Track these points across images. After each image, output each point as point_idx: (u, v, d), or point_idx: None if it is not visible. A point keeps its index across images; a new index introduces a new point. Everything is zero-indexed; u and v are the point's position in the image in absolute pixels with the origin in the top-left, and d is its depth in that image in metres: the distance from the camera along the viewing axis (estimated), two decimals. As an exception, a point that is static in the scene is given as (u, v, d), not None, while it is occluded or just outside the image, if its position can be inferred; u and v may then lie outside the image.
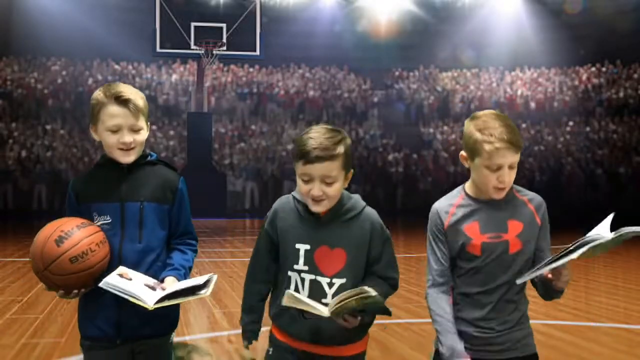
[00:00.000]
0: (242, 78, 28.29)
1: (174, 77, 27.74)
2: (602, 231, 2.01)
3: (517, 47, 28.73)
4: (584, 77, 28.32)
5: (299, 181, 2.17)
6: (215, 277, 2.30)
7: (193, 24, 21.02)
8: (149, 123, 2.40)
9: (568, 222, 19.02)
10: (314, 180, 2.12)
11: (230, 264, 10.00)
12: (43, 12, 26.23)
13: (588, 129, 26.09)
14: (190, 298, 2.21)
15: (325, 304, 2.11)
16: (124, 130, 2.30)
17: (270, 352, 2.29)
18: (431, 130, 27.16)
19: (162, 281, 2.32)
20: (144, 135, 2.35)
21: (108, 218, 2.32)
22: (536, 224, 2.26)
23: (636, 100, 26.28)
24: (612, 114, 26.42)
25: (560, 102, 27.74)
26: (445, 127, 27.04)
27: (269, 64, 28.33)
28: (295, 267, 2.20)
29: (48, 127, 24.30)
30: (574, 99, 27.63)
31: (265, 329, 2.35)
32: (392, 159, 25.05)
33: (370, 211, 2.26)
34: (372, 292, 1.97)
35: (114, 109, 2.29)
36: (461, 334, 2.25)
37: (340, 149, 2.13)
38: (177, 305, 2.44)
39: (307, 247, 2.19)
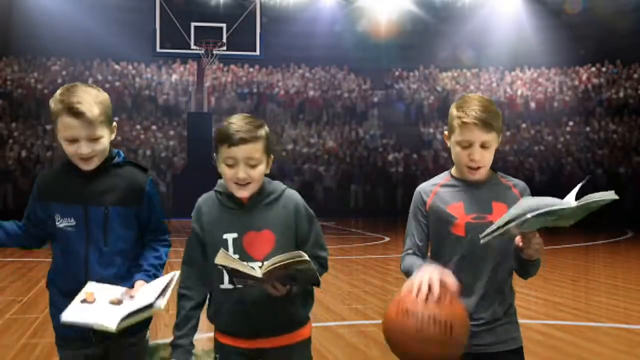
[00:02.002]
0: (242, 78, 28.29)
1: (174, 77, 27.74)
2: (567, 199, 1.98)
3: (517, 47, 28.73)
4: (584, 77, 28.32)
5: (222, 168, 2.19)
6: (177, 274, 2.26)
7: (193, 24, 21.02)
8: (113, 124, 2.30)
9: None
10: (238, 163, 2.15)
11: (230, 264, 9.97)
12: (43, 12, 26.24)
13: (588, 129, 26.08)
14: (149, 313, 2.16)
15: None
16: (81, 141, 2.21)
17: (218, 358, 2.30)
18: (431, 130, 27.16)
19: (132, 286, 2.27)
20: (104, 142, 2.26)
21: (72, 221, 2.27)
22: None
23: (636, 100, 26.28)
24: (612, 114, 26.42)
25: (560, 102, 27.74)
26: (445, 127, 27.01)
27: (269, 64, 28.33)
28: None
29: (48, 127, 24.29)
30: (574, 99, 27.63)
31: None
32: (392, 159, 25.04)
33: (292, 192, 2.29)
34: (306, 257, 1.99)
35: (68, 120, 2.19)
36: None
37: (262, 132, 2.18)
38: None
39: (235, 235, 2.20)
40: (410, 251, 2.32)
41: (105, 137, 2.27)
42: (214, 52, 20.86)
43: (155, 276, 2.34)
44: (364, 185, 23.79)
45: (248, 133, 2.14)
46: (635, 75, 27.17)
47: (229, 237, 2.20)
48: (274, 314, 2.18)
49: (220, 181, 2.31)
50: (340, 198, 23.36)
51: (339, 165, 24.15)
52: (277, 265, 1.98)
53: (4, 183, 21.53)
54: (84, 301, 2.16)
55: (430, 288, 2.00)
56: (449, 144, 2.30)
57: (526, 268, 2.23)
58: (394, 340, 2.02)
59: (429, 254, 2.36)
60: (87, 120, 2.18)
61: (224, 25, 21.22)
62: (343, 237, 14.97)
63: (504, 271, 2.26)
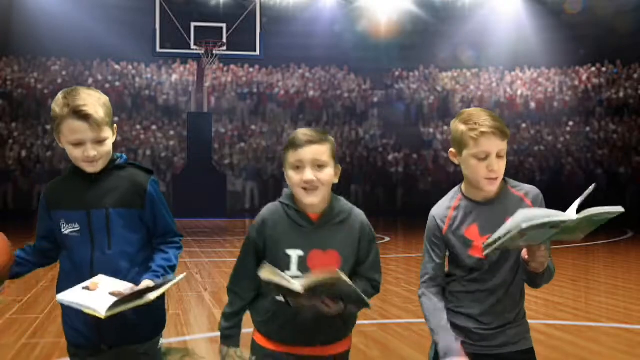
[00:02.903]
0: (242, 78, 28.30)
1: (174, 77, 27.75)
2: (569, 211, 1.97)
3: (517, 47, 28.73)
4: (584, 77, 28.33)
5: (290, 173, 2.19)
6: (177, 279, 2.22)
7: (193, 24, 21.02)
8: (114, 126, 2.31)
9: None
10: (305, 166, 2.16)
11: (230, 264, 10.00)
12: (43, 12, 26.24)
13: (588, 129, 26.09)
14: (141, 302, 2.13)
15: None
16: (87, 144, 2.21)
17: None
18: (431, 130, 27.16)
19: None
20: (109, 144, 2.27)
21: (76, 226, 2.27)
22: None
23: (636, 100, 26.28)
24: (612, 114, 26.42)
25: (560, 102, 27.74)
26: (445, 127, 27.03)
27: (269, 64, 28.34)
28: (287, 273, 2.16)
29: (48, 127, 24.30)
30: (574, 99, 27.64)
31: (246, 332, 2.32)
32: (392, 159, 25.05)
33: (358, 212, 2.29)
34: (347, 279, 1.98)
35: (74, 123, 2.18)
36: (461, 329, 2.26)
37: (328, 137, 2.22)
38: (163, 308, 2.43)
39: (300, 252, 2.18)
40: (429, 284, 2.31)
41: (110, 138, 2.27)
42: (214, 52, 20.87)
43: (164, 277, 2.33)
44: (364, 185, 23.80)
45: (314, 136, 2.18)
46: (635, 75, 27.18)
47: (294, 253, 2.19)
48: (326, 328, 2.19)
49: (285, 191, 2.29)
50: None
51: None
52: (317, 281, 1.97)
53: (4, 183, 21.53)
54: (86, 288, 2.17)
55: None
56: (457, 162, 2.28)
57: (534, 280, 2.24)
58: None
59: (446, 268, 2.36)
60: (94, 123, 2.19)
61: (224, 25, 21.22)
62: (343, 237, 14.93)
63: (517, 281, 2.28)
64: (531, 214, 1.95)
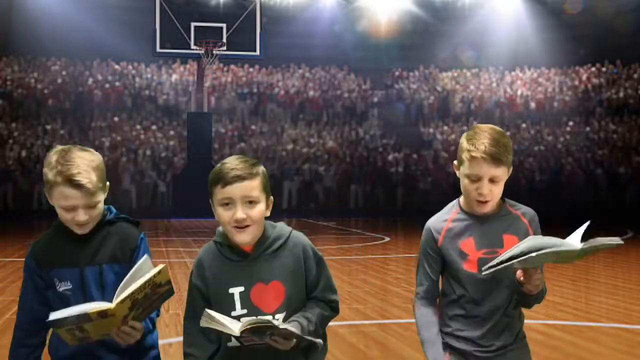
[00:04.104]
0: (242, 78, 28.30)
1: (174, 77, 27.75)
2: (573, 240, 1.98)
3: (517, 47, 28.73)
4: (584, 77, 28.33)
5: (219, 211, 2.07)
6: (160, 269, 2.03)
7: (193, 24, 21.03)
8: (107, 184, 2.26)
9: (568, 222, 19.04)
10: (235, 203, 2.04)
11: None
12: (43, 12, 26.24)
13: (588, 129, 26.09)
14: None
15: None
16: (79, 210, 2.17)
17: None
18: (431, 130, 27.16)
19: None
20: (100, 207, 2.24)
21: (69, 284, 2.23)
22: None
23: (636, 100, 26.29)
24: (612, 114, 26.43)
25: (560, 102, 27.75)
26: (445, 127, 27.04)
27: (269, 64, 28.34)
28: (233, 313, 2.07)
29: (48, 127, 24.31)
30: (574, 99, 27.64)
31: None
32: (392, 159, 25.04)
33: (298, 234, 2.17)
34: (275, 323, 1.90)
35: (67, 191, 2.13)
36: (461, 353, 2.26)
37: (258, 170, 2.07)
38: (156, 345, 2.37)
39: (241, 289, 2.08)
40: (422, 296, 2.31)
41: (101, 202, 2.24)
42: (214, 52, 20.87)
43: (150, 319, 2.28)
44: (364, 185, 23.80)
45: (243, 170, 2.04)
46: (635, 75, 27.18)
47: (236, 291, 2.09)
48: (280, 356, 2.05)
49: (218, 230, 2.17)
50: (340, 198, 23.37)
51: (339, 165, 24.16)
52: (250, 325, 1.90)
53: (4, 183, 21.53)
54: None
55: None
56: (458, 175, 2.28)
57: (526, 301, 2.24)
58: None
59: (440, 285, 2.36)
60: (87, 191, 2.15)
61: (224, 25, 21.23)
62: (343, 237, 14.96)
63: (514, 301, 2.28)
64: (538, 243, 1.96)
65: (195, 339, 2.13)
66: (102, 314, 1.99)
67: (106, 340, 2.14)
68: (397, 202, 23.85)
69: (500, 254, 2.12)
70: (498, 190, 2.21)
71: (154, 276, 1.99)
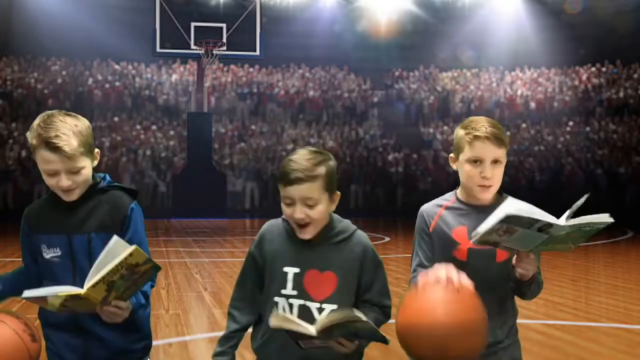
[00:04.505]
0: (242, 78, 28.29)
1: (174, 77, 27.74)
2: (559, 219, 1.95)
3: (517, 47, 28.73)
4: (584, 77, 28.32)
5: (283, 206, 2.11)
6: (131, 251, 1.97)
7: (193, 24, 21.03)
8: (96, 151, 2.24)
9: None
10: (295, 203, 2.07)
11: (230, 264, 10.00)
12: (43, 12, 26.24)
13: (588, 129, 26.09)
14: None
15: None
16: (61, 174, 2.15)
17: None
18: (431, 130, 27.16)
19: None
20: (86, 172, 2.20)
21: (58, 251, 2.23)
22: None
23: (636, 100, 26.28)
24: (612, 114, 26.42)
25: (560, 102, 27.74)
26: (445, 127, 27.04)
27: (269, 64, 28.33)
28: (283, 291, 2.12)
29: (48, 127, 24.29)
30: (574, 99, 27.63)
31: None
32: (392, 159, 25.05)
33: (362, 234, 2.21)
34: (363, 317, 1.90)
35: (46, 154, 2.12)
36: None
37: (321, 170, 2.08)
38: (149, 330, 2.38)
39: (297, 270, 2.12)
40: (419, 271, 2.28)
41: (87, 167, 2.20)
42: (214, 52, 20.88)
43: (138, 299, 2.26)
44: (364, 185, 23.80)
45: (305, 172, 2.05)
46: (635, 75, 27.17)
47: (290, 271, 2.13)
48: (329, 355, 2.08)
49: None
50: (340, 198, 23.32)
51: (339, 165, 24.03)
52: (332, 324, 1.89)
53: (4, 183, 21.53)
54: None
55: (449, 280, 1.94)
56: (455, 167, 2.27)
57: (520, 288, 2.21)
58: (417, 336, 1.89)
59: None
60: (65, 155, 2.12)
61: (224, 25, 21.23)
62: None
63: (504, 294, 2.25)
64: (521, 206, 1.93)
65: (240, 304, 2.22)
66: (75, 297, 1.98)
67: (95, 314, 2.12)
68: (397, 202, 23.85)
69: (492, 247, 2.09)
70: (499, 174, 2.20)
71: (126, 258, 1.97)
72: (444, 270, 1.97)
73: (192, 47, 20.88)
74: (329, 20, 29.82)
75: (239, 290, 2.24)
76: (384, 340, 2.00)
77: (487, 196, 2.22)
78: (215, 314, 6.25)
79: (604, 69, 28.19)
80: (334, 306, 2.11)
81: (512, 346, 2.28)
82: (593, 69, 28.43)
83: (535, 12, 29.53)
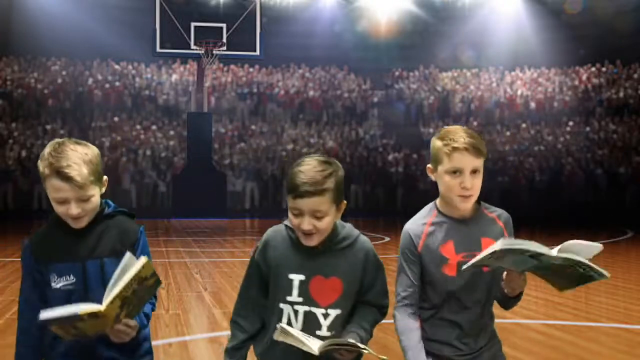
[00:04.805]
0: (242, 78, 28.29)
1: (174, 77, 27.74)
2: (551, 250, 1.96)
3: (517, 47, 28.73)
4: (584, 77, 28.32)
5: (290, 215, 2.12)
6: (141, 263, 2.03)
7: (193, 24, 21.03)
8: (104, 179, 2.26)
9: (568, 222, 19.01)
10: (303, 214, 2.08)
11: (230, 263, 10.00)
12: (43, 12, 26.24)
13: (588, 129, 26.09)
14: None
15: (320, 336, 2.08)
16: (71, 202, 2.17)
17: None
18: (431, 130, 27.14)
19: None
20: (95, 200, 2.22)
21: (71, 278, 2.22)
22: None
23: (636, 100, 26.28)
24: (612, 114, 26.42)
25: (560, 102, 27.74)
26: (446, 127, 27.02)
27: (269, 64, 28.34)
28: (289, 298, 2.14)
29: (48, 127, 24.30)
30: (574, 99, 27.63)
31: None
32: (392, 159, 25.05)
33: (364, 239, 2.23)
34: (361, 345, 1.97)
35: (57, 183, 2.14)
36: (437, 357, 2.24)
37: (330, 184, 2.08)
38: (151, 349, 2.38)
39: (302, 277, 2.14)
40: (404, 303, 2.27)
41: (96, 195, 2.23)
42: (214, 52, 20.88)
43: (142, 320, 2.27)
44: (364, 185, 23.80)
45: (314, 186, 2.05)
46: (635, 75, 27.17)
47: (296, 278, 2.14)
48: (331, 358, 2.09)
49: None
50: (340, 198, 23.36)
51: (339, 165, 24.15)
52: (333, 346, 1.95)
53: (4, 183, 21.53)
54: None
55: None
56: (434, 178, 2.27)
57: (506, 301, 2.25)
58: None
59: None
60: (76, 184, 2.14)
61: (224, 25, 21.23)
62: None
63: (489, 306, 2.28)
64: (512, 241, 1.96)
65: (245, 312, 2.23)
66: (93, 315, 1.99)
67: (102, 335, 2.13)
68: (397, 202, 23.85)
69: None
70: (479, 183, 2.20)
71: (139, 271, 2.00)
72: None
73: (192, 47, 20.88)
74: (329, 20, 29.82)
75: (243, 298, 2.24)
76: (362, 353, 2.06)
77: (467, 206, 2.23)
78: (215, 314, 6.25)
79: (604, 69, 28.19)
80: (339, 311, 2.14)
81: (493, 348, 2.31)
82: (593, 69, 28.43)
83: (535, 12, 29.53)
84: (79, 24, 25.76)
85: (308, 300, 2.13)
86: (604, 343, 5.18)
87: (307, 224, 2.07)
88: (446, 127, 2.29)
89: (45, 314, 2.00)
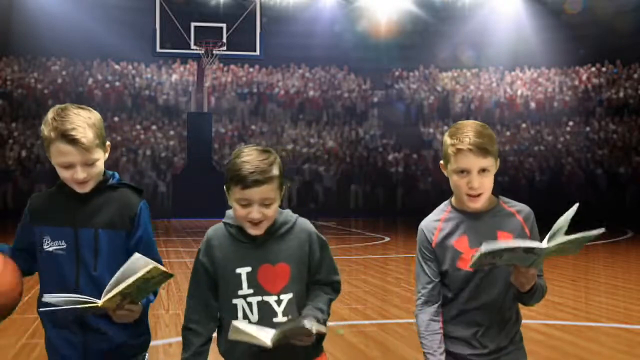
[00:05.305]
0: (242, 78, 28.30)
1: (174, 77, 27.75)
2: (540, 243, 1.96)
3: (517, 47, 28.75)
4: (584, 77, 28.33)
5: (235, 206, 2.12)
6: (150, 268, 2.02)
7: (193, 24, 21.03)
8: (107, 144, 2.27)
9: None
10: (252, 204, 2.08)
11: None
12: (43, 12, 26.25)
13: (588, 129, 26.09)
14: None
15: (277, 324, 2.07)
16: (77, 167, 2.16)
17: None
18: (431, 130, 27.16)
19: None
20: (99, 164, 2.22)
21: (63, 244, 2.21)
22: (525, 235, 2.21)
23: (636, 100, 26.29)
24: (612, 114, 26.43)
25: (560, 102, 27.75)
26: (445, 127, 27.03)
27: (269, 64, 28.35)
28: (240, 292, 2.14)
29: (48, 127, 24.30)
30: (574, 99, 27.64)
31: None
32: (392, 159, 25.05)
33: (303, 220, 2.24)
34: (307, 324, 1.95)
35: (63, 147, 2.13)
36: (455, 356, 2.22)
37: (276, 171, 2.11)
38: (148, 325, 2.37)
39: (249, 269, 2.14)
40: (423, 301, 2.26)
41: (100, 159, 2.23)
42: (214, 52, 20.88)
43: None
44: (364, 185, 23.80)
45: (262, 174, 2.07)
46: (635, 75, 27.18)
47: (243, 271, 2.15)
48: (291, 353, 2.11)
49: (228, 212, 2.23)
50: (340, 198, 23.37)
51: (339, 165, 24.16)
52: (283, 334, 1.97)
53: (4, 183, 21.54)
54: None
55: None
56: (446, 174, 2.25)
57: (520, 297, 2.22)
58: None
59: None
60: (82, 146, 2.14)
61: (224, 25, 21.23)
62: (343, 237, 14.96)
63: (509, 301, 2.23)
64: (494, 243, 1.94)
65: (197, 317, 2.20)
66: (91, 309, 2.03)
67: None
68: (397, 202, 23.85)
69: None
70: (488, 182, 2.18)
71: (144, 275, 2.01)
72: None
73: (192, 47, 20.89)
74: (329, 20, 29.83)
75: (193, 302, 2.21)
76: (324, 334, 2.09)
77: (477, 205, 2.20)
78: (215, 314, 6.24)
79: (604, 69, 28.20)
80: (291, 295, 2.15)
81: (516, 351, 2.26)
82: (593, 69, 28.44)
83: (535, 12, 29.54)
84: (79, 24, 25.78)
85: (259, 290, 2.14)
86: (604, 343, 5.18)
87: (256, 212, 2.09)
88: (460, 121, 2.25)
89: (47, 299, 2.04)
